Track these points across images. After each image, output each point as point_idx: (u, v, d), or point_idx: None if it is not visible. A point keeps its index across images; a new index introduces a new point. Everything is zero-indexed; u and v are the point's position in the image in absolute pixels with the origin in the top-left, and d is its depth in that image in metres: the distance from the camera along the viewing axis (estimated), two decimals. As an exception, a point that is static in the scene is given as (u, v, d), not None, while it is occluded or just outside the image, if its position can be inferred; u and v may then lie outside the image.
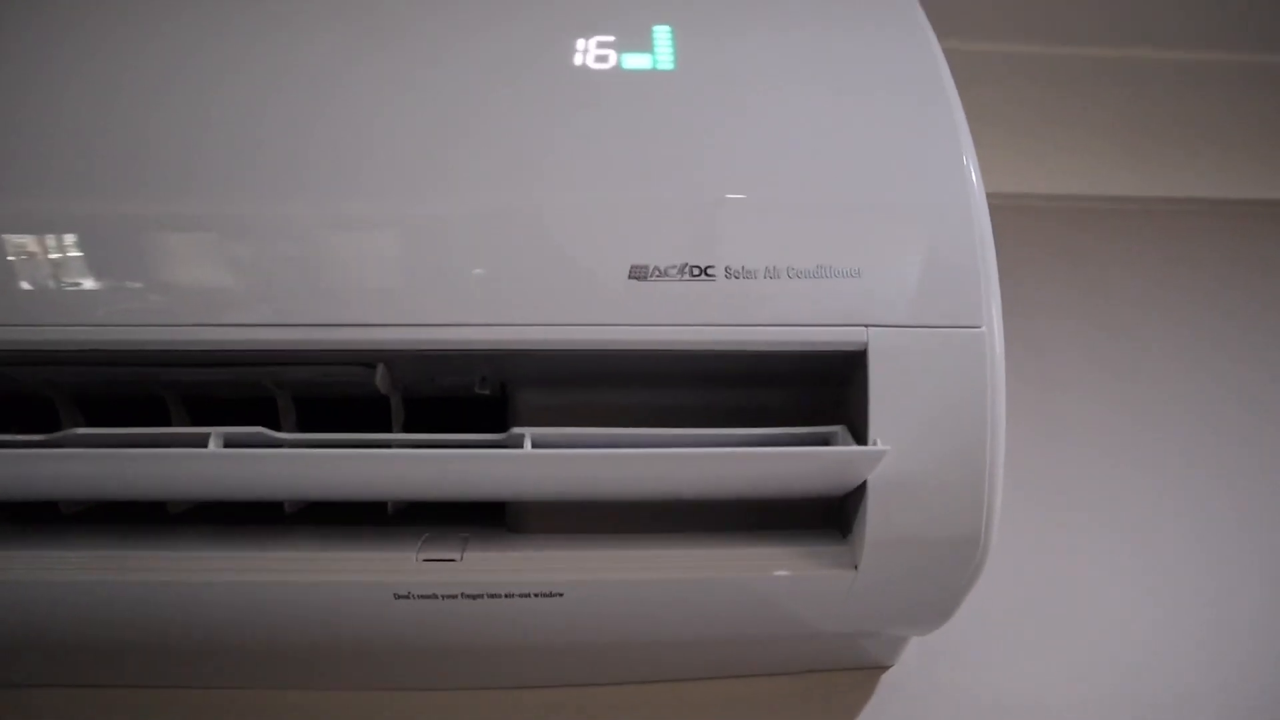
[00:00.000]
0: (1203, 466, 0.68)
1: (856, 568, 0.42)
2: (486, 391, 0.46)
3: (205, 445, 0.41)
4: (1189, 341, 0.78)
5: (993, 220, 0.43)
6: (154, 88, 0.43)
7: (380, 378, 0.42)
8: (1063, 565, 0.60)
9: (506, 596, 0.43)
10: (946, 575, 0.44)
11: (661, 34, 0.46)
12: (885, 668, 0.54)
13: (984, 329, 0.41)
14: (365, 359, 0.42)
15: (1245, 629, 0.58)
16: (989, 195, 0.44)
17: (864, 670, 0.54)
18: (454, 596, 0.43)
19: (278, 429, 0.46)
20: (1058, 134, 0.86)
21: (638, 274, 0.40)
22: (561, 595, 0.43)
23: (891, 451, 0.40)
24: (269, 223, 0.41)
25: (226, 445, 0.41)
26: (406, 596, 0.43)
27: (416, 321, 0.40)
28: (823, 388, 0.46)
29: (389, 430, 0.47)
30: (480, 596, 0.43)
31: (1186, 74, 0.89)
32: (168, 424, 0.47)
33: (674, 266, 0.41)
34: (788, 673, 0.53)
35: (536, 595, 0.43)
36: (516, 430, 0.41)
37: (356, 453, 0.40)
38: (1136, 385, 0.74)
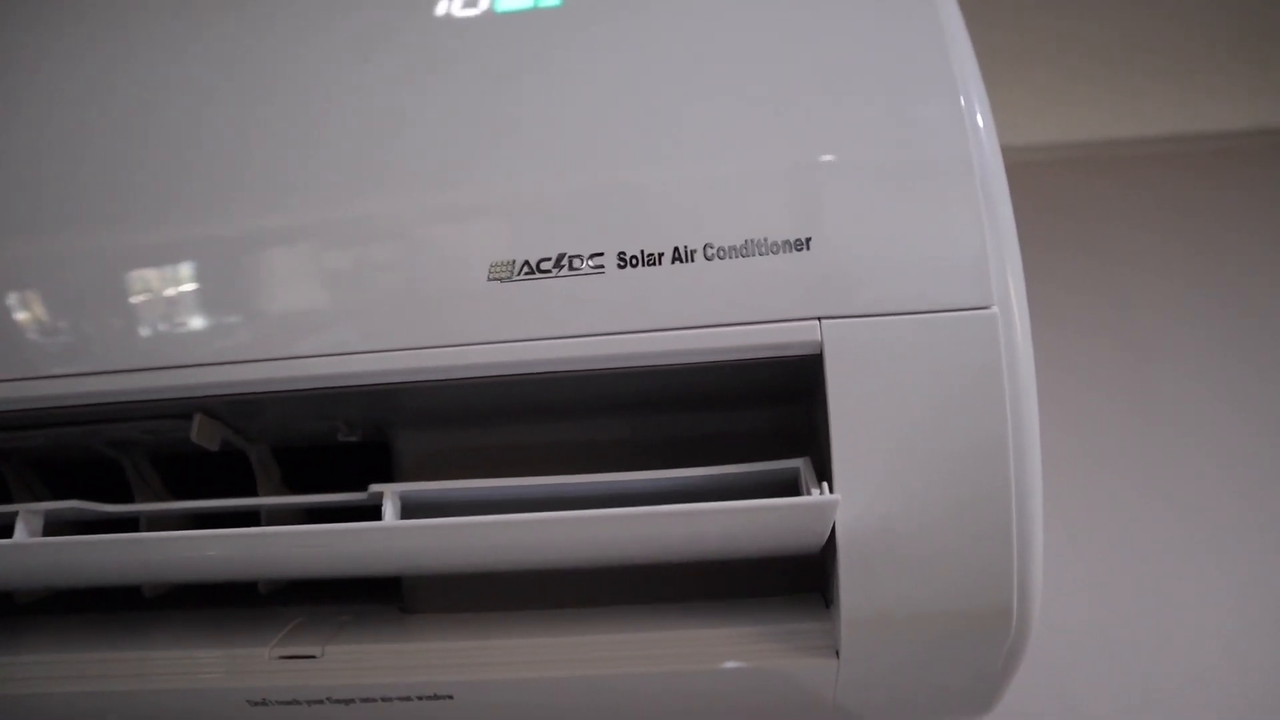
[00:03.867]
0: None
1: (838, 653, 0.31)
2: (354, 438, 0.37)
3: (13, 525, 0.33)
4: None
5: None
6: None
7: (197, 431, 0.34)
8: (1157, 609, 0.46)
9: (384, 700, 0.33)
10: (969, 659, 0.31)
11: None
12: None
13: (996, 310, 0.29)
14: (177, 409, 0.33)
15: None
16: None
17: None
18: (319, 701, 0.34)
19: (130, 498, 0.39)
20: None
21: (499, 273, 0.30)
22: (450, 698, 0.33)
23: (859, 496, 0.28)
24: (54, 260, 0.33)
25: (48, 526, 0.34)
26: (262, 703, 0.34)
27: (228, 360, 0.31)
28: (791, 404, 0.34)
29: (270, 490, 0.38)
30: (351, 701, 0.33)
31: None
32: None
33: (548, 259, 0.30)
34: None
35: (420, 698, 0.33)
36: (375, 488, 0.32)
37: (161, 535, 0.31)
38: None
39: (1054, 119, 0.69)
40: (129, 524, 0.37)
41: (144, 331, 0.31)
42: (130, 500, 0.39)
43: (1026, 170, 0.69)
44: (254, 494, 0.38)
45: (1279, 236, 0.64)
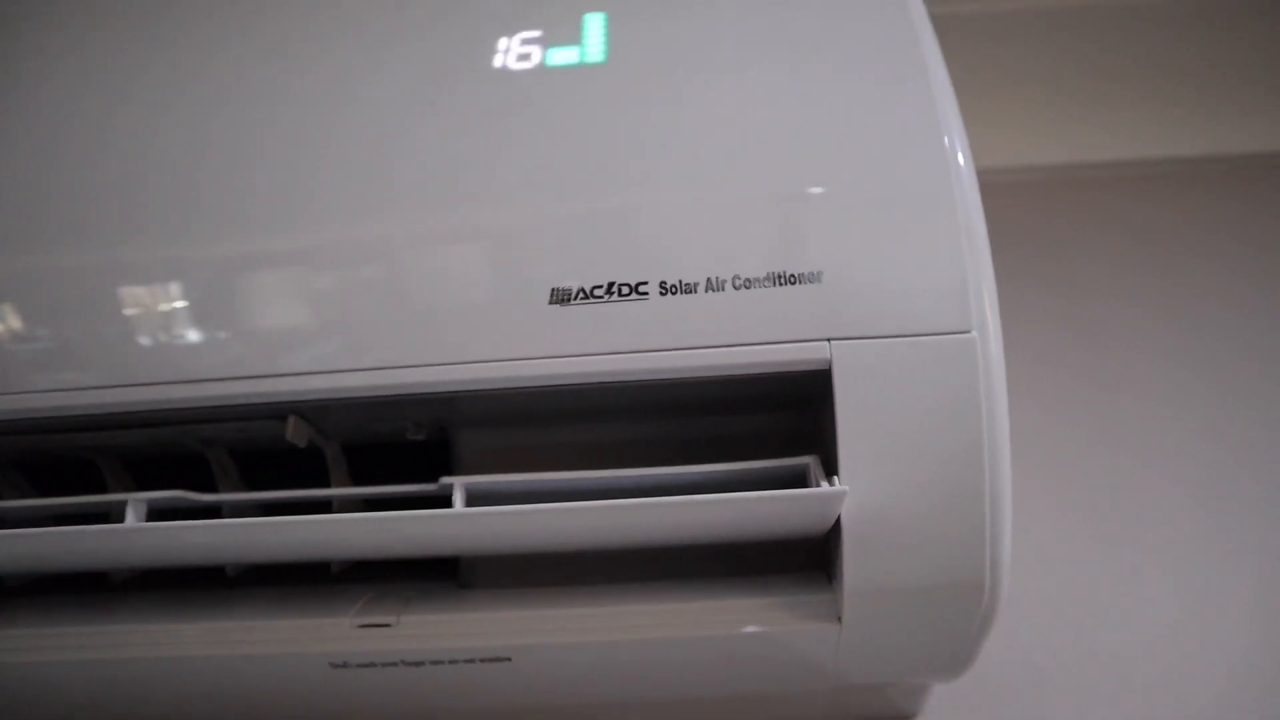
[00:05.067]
0: None
1: (840, 620, 0.36)
2: (421, 436, 0.42)
3: (124, 512, 0.38)
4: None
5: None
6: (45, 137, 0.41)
7: (292, 431, 0.39)
8: (1120, 600, 0.52)
9: (450, 663, 0.39)
10: (950, 625, 0.37)
11: (593, 22, 0.41)
12: (909, 717, 0.47)
13: (975, 334, 0.35)
14: (273, 411, 0.38)
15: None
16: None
17: (886, 720, 0.47)
18: (394, 664, 0.39)
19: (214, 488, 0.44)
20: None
21: (559, 298, 0.35)
22: (509, 660, 0.38)
23: (861, 487, 0.34)
24: (161, 274, 0.37)
25: (151, 512, 0.39)
26: (344, 665, 0.39)
27: (320, 369, 0.36)
28: (800, 410, 0.40)
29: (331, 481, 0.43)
30: (422, 663, 0.39)
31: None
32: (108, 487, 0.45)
33: (599, 286, 0.35)
34: (795, 727, 0.47)
35: (482, 660, 0.39)
36: (446, 480, 0.37)
37: (266, 521, 0.36)
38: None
39: (1022, 142, 0.75)
40: (214, 511, 0.42)
41: (254, 342, 0.36)
42: (213, 490, 0.44)
43: (1000, 190, 0.76)
44: (319, 486, 0.43)
45: (1234, 261, 0.70)
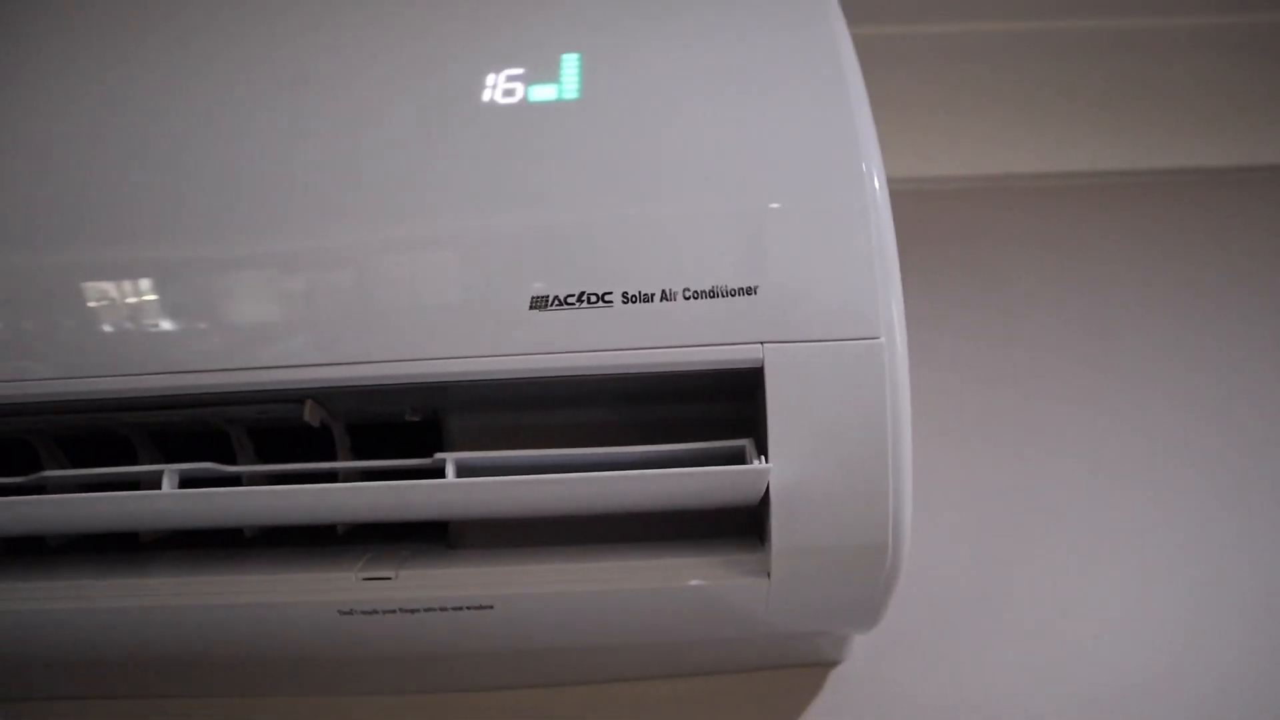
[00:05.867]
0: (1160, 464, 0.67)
1: (769, 575, 0.44)
2: (416, 419, 0.48)
3: (160, 482, 0.44)
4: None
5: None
6: (89, 136, 0.47)
7: (309, 413, 0.45)
8: (1014, 566, 0.60)
9: (441, 610, 0.46)
10: (863, 580, 0.45)
11: (568, 63, 0.48)
12: (835, 663, 0.55)
13: (882, 339, 0.42)
14: (292, 396, 0.45)
15: (1194, 616, 0.57)
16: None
17: (814, 667, 0.55)
18: (392, 611, 0.46)
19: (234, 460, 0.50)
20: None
21: (538, 304, 0.42)
22: (492, 608, 0.45)
23: (783, 467, 0.41)
24: (201, 278, 0.44)
25: (181, 481, 0.45)
26: (350, 613, 0.46)
27: (335, 360, 0.43)
28: (741, 400, 0.47)
29: (336, 455, 0.50)
30: (417, 611, 0.46)
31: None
32: (143, 459, 0.51)
33: (572, 295, 0.42)
34: (736, 671, 0.54)
35: (468, 608, 0.46)
36: (440, 455, 0.44)
37: (283, 489, 0.43)
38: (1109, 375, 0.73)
39: (950, 155, 0.83)
40: (234, 480, 0.48)
41: (280, 337, 0.42)
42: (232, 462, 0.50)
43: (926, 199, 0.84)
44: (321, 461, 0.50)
45: (1141, 269, 0.79)
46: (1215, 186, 0.86)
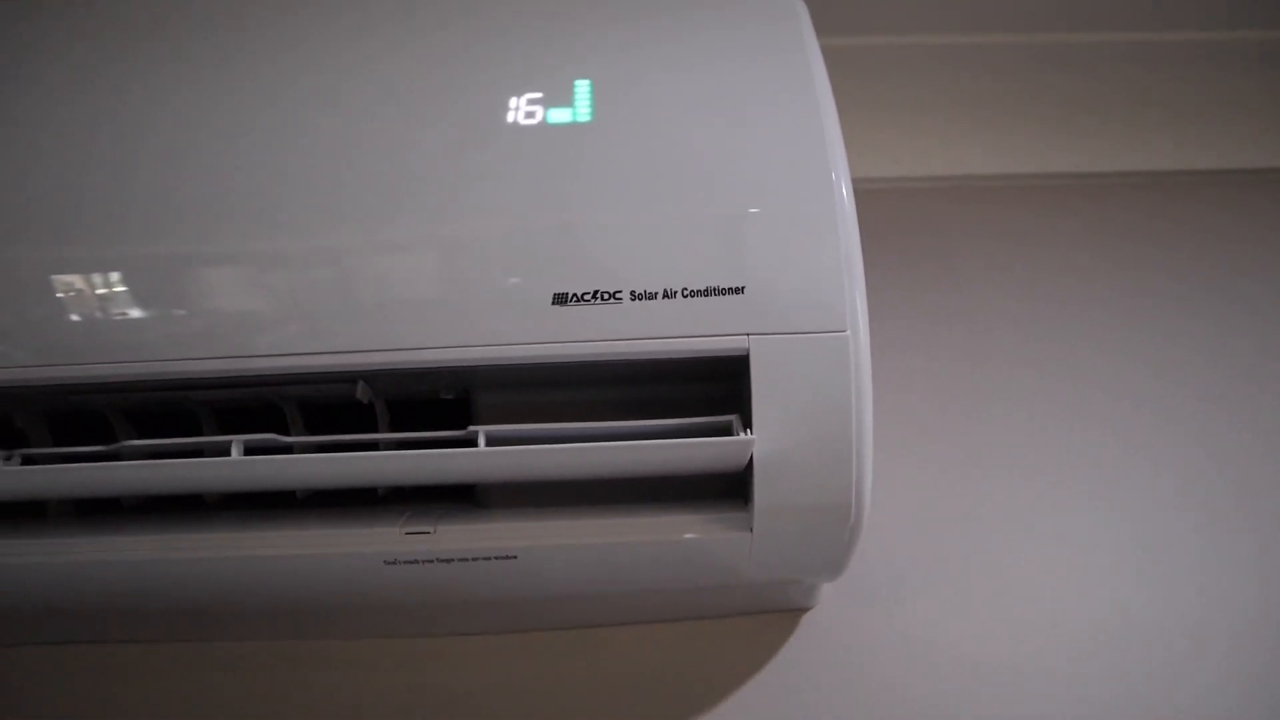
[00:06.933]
0: (1096, 425, 0.76)
1: (752, 530, 0.52)
2: (450, 396, 0.56)
3: (229, 451, 0.52)
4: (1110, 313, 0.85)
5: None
6: (180, 134, 0.53)
7: (360, 391, 0.53)
8: (971, 521, 0.69)
9: (472, 560, 0.53)
10: (830, 535, 0.53)
11: (581, 88, 0.55)
12: (806, 609, 0.64)
13: (848, 333, 0.50)
14: (347, 378, 0.52)
15: (1135, 561, 0.66)
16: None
17: (788, 612, 0.64)
18: (430, 561, 0.53)
19: (287, 432, 0.57)
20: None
21: (559, 300, 0.50)
22: (515, 558, 0.53)
23: (765, 439, 0.49)
24: (276, 275, 0.51)
25: (246, 450, 0.52)
26: (394, 563, 0.53)
27: (387, 347, 0.50)
28: (730, 381, 0.55)
29: (376, 428, 0.57)
30: (451, 560, 0.53)
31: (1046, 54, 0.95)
32: (199, 431, 0.58)
33: (588, 293, 0.50)
34: (721, 616, 0.63)
35: (495, 558, 0.53)
36: (473, 428, 0.51)
37: (343, 456, 0.50)
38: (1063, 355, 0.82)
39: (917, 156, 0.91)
40: (287, 449, 0.55)
41: (341, 325, 0.50)
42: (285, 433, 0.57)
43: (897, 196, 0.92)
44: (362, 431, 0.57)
45: (1084, 267, 0.88)
46: (1160, 189, 0.96)
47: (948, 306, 0.85)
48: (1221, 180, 0.96)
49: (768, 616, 0.63)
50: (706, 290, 0.50)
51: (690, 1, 0.60)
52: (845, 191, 0.52)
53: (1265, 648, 0.61)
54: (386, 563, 0.53)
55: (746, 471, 0.52)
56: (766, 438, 0.50)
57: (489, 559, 0.53)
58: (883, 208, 0.89)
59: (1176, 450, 0.74)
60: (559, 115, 0.54)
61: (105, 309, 0.50)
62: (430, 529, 0.53)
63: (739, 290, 0.50)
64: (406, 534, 0.53)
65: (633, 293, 0.50)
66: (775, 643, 0.62)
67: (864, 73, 0.88)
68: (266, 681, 0.61)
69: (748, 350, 0.50)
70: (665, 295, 0.50)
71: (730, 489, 0.56)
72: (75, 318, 0.50)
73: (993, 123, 0.94)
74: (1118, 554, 0.67)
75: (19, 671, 0.62)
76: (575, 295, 0.50)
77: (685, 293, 0.50)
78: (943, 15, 0.93)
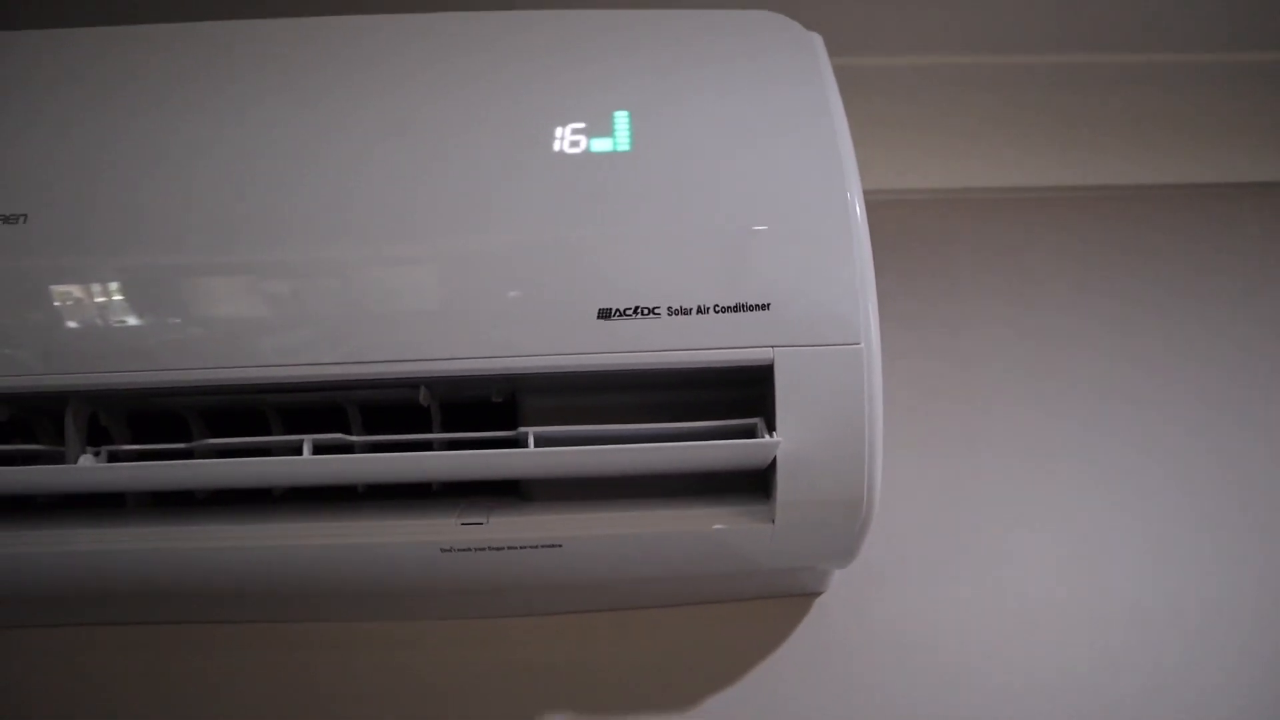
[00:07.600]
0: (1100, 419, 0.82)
1: (774, 521, 0.58)
2: (500, 400, 0.61)
3: (300, 450, 0.57)
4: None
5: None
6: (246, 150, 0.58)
7: (422, 396, 0.58)
8: (970, 514, 0.75)
9: (521, 548, 0.59)
10: (843, 526, 0.59)
11: (620, 120, 0.60)
12: (818, 594, 0.69)
13: (862, 345, 0.56)
14: (411, 384, 0.57)
15: (1138, 556, 0.72)
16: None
17: (802, 596, 0.69)
18: (483, 549, 0.59)
19: (349, 431, 0.63)
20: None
21: (604, 315, 0.55)
22: (560, 546, 0.59)
23: (788, 440, 0.55)
24: (348, 290, 0.56)
25: (315, 449, 0.58)
26: (450, 550, 0.59)
27: (448, 356, 0.55)
28: (749, 386, 0.61)
29: (430, 429, 0.63)
30: (502, 549, 0.59)
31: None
32: (264, 429, 0.63)
33: (630, 308, 0.55)
34: (739, 600, 0.69)
35: (542, 547, 0.59)
36: (523, 429, 0.57)
37: (406, 455, 0.56)
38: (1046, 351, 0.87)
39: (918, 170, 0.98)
40: (347, 448, 0.61)
41: (406, 336, 0.55)
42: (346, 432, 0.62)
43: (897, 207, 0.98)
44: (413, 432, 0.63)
45: (1071, 274, 0.94)
46: (1152, 202, 1.01)
47: (948, 312, 0.90)
48: (1212, 194, 1.02)
49: (783, 600, 0.69)
50: (736, 306, 0.55)
51: (716, 37, 0.65)
52: (860, 216, 0.57)
53: (1268, 642, 0.67)
54: (442, 550, 0.59)
55: (769, 469, 0.58)
56: (789, 439, 0.55)
57: (536, 547, 0.59)
58: (887, 219, 0.95)
59: (1176, 450, 0.80)
60: (600, 145, 0.59)
61: (200, 318, 0.56)
62: (484, 520, 0.59)
63: (765, 307, 0.55)
64: (462, 524, 0.59)
65: (669, 308, 0.55)
66: (789, 624, 0.68)
67: (870, 91, 0.93)
68: (336, 659, 0.68)
69: (772, 361, 0.55)
70: (699, 311, 0.55)
71: (749, 484, 0.61)
72: (170, 324, 0.56)
73: (992, 138, 1.00)
74: (1117, 546, 0.73)
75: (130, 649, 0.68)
76: (618, 310, 0.55)
77: (717, 308, 0.55)
78: (944, 38, 0.99)
